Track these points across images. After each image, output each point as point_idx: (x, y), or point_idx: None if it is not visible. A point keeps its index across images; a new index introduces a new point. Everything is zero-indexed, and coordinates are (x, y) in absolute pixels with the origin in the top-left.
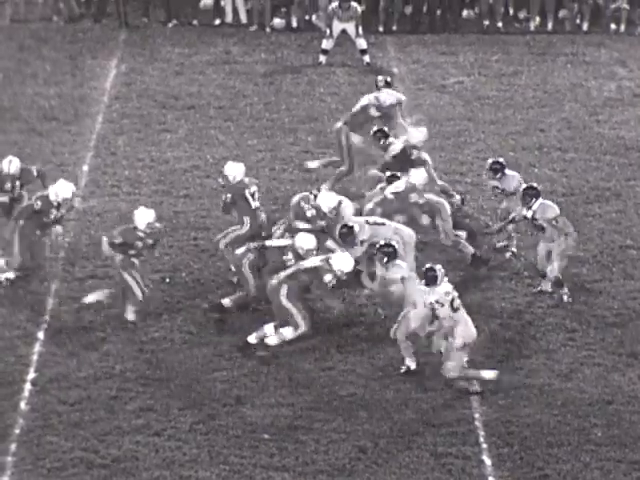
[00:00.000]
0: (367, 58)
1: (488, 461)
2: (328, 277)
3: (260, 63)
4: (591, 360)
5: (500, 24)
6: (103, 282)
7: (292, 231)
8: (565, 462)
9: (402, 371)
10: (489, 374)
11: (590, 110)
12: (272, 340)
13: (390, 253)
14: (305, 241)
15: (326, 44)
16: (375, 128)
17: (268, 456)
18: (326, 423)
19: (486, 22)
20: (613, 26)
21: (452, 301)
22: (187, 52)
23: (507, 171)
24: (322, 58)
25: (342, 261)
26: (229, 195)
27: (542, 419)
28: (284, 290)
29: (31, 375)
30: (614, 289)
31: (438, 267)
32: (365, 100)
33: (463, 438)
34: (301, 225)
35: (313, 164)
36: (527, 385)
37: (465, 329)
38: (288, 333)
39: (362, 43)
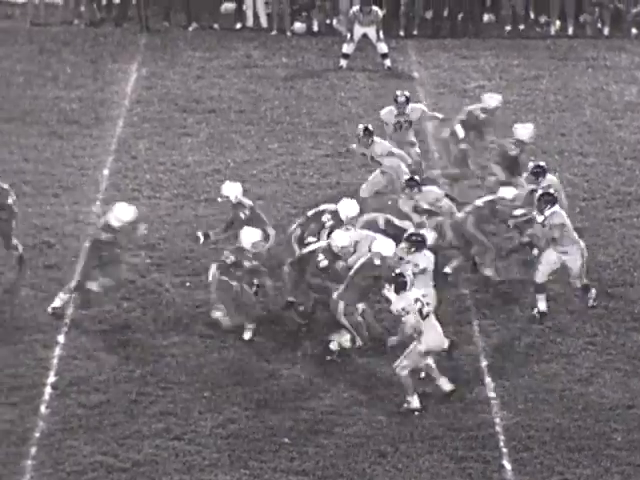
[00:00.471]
0: (388, 62)
1: (508, 465)
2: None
3: (281, 67)
4: (611, 365)
5: (522, 27)
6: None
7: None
8: (585, 467)
9: (403, 409)
10: (447, 386)
11: (611, 114)
12: (333, 345)
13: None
14: (340, 239)
15: (347, 48)
16: (361, 127)
17: (288, 460)
18: (346, 427)
19: (508, 27)
20: (634, 30)
21: (421, 309)
22: (208, 56)
23: (548, 175)
24: (343, 62)
25: (385, 246)
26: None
27: (562, 423)
28: (341, 306)
29: (51, 379)
30: (635, 294)
31: (408, 273)
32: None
33: (483, 442)
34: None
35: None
36: (547, 389)
37: (433, 337)
38: (346, 343)
39: (383, 47)
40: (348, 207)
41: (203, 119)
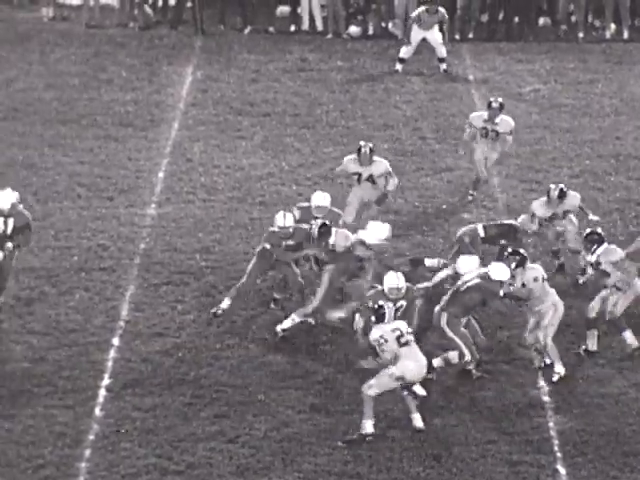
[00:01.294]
0: (444, 65)
1: (562, 470)
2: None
3: (336, 70)
4: None
5: (581, 34)
6: (178, 289)
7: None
8: None
9: (357, 435)
10: (418, 422)
11: None
12: (436, 362)
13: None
14: (379, 231)
15: (404, 52)
16: (365, 144)
17: (342, 464)
18: (401, 431)
19: (563, 27)
20: None
21: (399, 337)
22: (263, 59)
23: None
24: (399, 66)
25: (500, 271)
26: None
27: (617, 428)
28: (444, 318)
29: (106, 381)
30: None
31: (389, 305)
32: None
33: (538, 446)
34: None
35: None
36: (602, 394)
37: (410, 366)
38: (454, 357)
39: (443, 51)
40: (318, 198)
41: (258, 122)
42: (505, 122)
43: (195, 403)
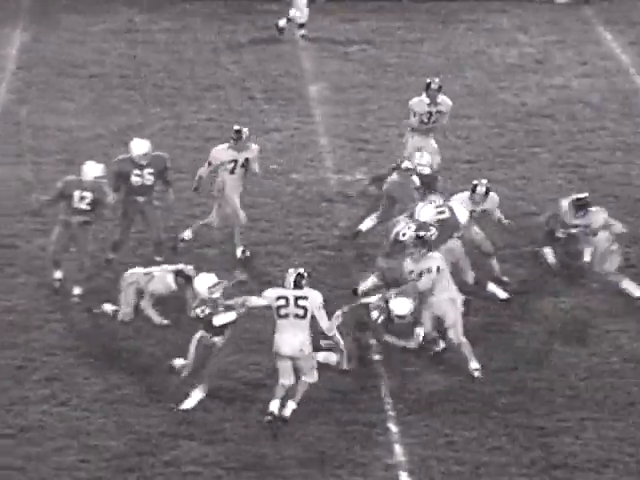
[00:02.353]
0: (283, 23)
1: (394, 428)
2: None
3: (163, 31)
4: (493, 327)
5: None
6: (8, 251)
7: None
8: (471, 429)
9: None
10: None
11: (492, 77)
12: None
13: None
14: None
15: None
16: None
17: (176, 424)
18: (234, 391)
19: None
20: None
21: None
22: (90, 20)
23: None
24: (282, 23)
25: (401, 305)
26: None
27: (448, 386)
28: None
29: None
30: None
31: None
32: None
33: (369, 405)
34: None
35: None
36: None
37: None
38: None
39: (298, 16)
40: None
41: (85, 84)
42: (445, 101)
43: (26, 366)
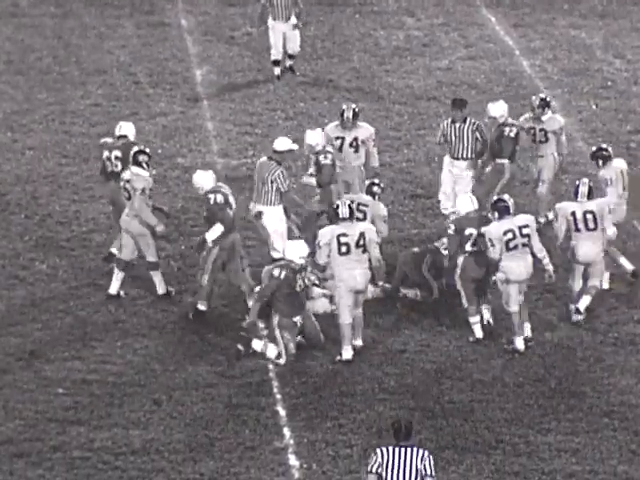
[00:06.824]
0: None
1: (282, 412)
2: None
3: (49, 16)
4: (386, 309)
5: None
6: None
7: None
8: (359, 411)
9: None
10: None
11: (379, 60)
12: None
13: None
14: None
15: None
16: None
17: (63, 410)
18: (119, 377)
19: None
20: None
21: None
22: None
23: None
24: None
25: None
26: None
27: (335, 368)
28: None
29: None
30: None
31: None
32: None
33: (257, 389)
34: None
35: None
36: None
37: None
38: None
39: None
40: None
41: None
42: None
43: None
